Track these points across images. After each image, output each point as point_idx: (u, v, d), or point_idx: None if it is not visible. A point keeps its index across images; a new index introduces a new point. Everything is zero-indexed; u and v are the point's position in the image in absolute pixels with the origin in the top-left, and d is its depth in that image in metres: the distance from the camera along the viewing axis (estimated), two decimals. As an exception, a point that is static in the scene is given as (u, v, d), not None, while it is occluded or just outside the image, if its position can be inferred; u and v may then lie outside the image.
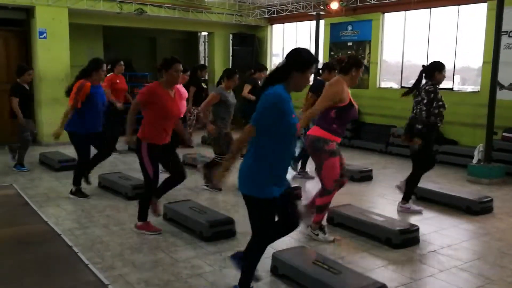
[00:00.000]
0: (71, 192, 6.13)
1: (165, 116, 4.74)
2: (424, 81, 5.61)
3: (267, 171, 3.20)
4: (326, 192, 4.65)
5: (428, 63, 5.76)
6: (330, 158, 4.54)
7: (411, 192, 5.81)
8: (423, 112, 5.35)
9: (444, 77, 5.57)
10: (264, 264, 4.08)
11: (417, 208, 5.77)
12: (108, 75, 8.41)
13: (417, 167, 5.68)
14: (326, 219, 5.20)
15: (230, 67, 13.23)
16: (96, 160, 6.29)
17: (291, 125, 3.15)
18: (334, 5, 10.08)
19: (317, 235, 4.72)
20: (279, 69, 3.23)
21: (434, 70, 5.51)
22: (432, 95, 5.37)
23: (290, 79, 3.18)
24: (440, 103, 5.44)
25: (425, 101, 5.37)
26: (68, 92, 5.88)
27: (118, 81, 8.80)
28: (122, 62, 9.00)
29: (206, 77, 11.96)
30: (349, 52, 10.96)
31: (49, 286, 2.95)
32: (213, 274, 3.96)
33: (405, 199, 5.77)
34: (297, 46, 3.19)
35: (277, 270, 3.89)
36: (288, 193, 3.40)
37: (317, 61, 3.38)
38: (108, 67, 8.54)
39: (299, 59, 3.19)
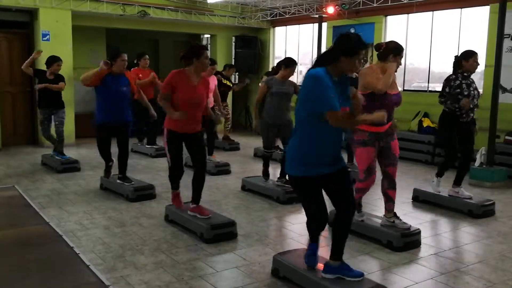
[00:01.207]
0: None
1: (186, 102, 4.79)
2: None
3: (314, 151, 3.32)
4: (358, 179, 4.72)
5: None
6: (359, 147, 4.58)
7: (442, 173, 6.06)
8: (440, 98, 5.76)
9: (474, 65, 5.72)
10: (265, 267, 4.09)
11: (466, 193, 5.92)
12: (132, 69, 8.51)
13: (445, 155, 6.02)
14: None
15: (232, 69, 13.26)
16: (119, 161, 6.40)
17: (332, 105, 3.17)
18: (330, 9, 10.08)
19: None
20: (326, 53, 3.35)
21: (461, 59, 5.72)
22: (451, 82, 5.66)
23: (338, 63, 3.26)
24: (458, 90, 5.64)
25: (445, 89, 5.70)
26: None
27: (140, 75, 8.82)
28: (147, 56, 9.07)
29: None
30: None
31: (51, 287, 2.95)
32: (214, 276, 3.96)
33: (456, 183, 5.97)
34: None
35: (278, 272, 3.89)
36: (341, 171, 3.47)
37: (365, 47, 3.43)
38: (134, 61, 8.70)
39: (347, 44, 3.25)
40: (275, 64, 6.45)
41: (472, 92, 5.69)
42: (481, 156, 7.60)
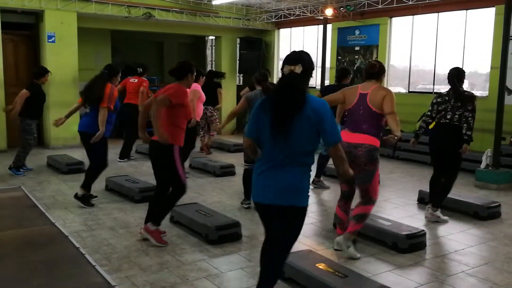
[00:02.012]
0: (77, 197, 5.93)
1: (187, 118, 4.77)
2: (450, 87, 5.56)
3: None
4: (372, 201, 4.48)
5: (453, 69, 5.60)
6: (378, 167, 4.47)
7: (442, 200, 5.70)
8: (470, 119, 5.35)
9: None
10: (270, 268, 4.08)
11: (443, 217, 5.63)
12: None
13: (453, 175, 5.61)
14: (333, 225, 5.21)
15: (237, 71, 13.30)
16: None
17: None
18: (329, 12, 10.08)
19: (349, 247, 4.40)
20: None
21: (463, 76, 5.59)
22: (475, 101, 5.42)
23: None
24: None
25: (470, 108, 5.35)
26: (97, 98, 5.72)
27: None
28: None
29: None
30: (356, 57, 10.97)
31: (57, 287, 2.97)
32: (219, 277, 3.96)
33: (437, 206, 5.64)
34: (304, 50, 3.13)
35: (283, 273, 3.87)
36: None
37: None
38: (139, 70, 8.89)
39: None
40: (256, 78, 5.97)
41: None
42: (486, 158, 7.58)
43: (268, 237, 3.20)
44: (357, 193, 4.61)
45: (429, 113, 5.70)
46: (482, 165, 7.59)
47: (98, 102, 5.68)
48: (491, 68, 8.48)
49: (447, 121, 5.49)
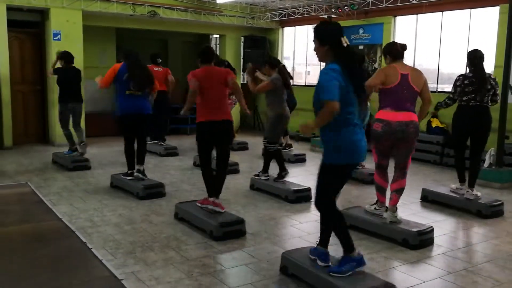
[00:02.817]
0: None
1: None
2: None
3: None
4: (406, 174, 4.94)
5: (479, 52, 5.95)
6: None
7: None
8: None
9: None
10: (274, 264, 4.13)
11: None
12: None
13: (480, 155, 6.15)
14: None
15: (241, 69, 13.32)
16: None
17: None
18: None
19: (396, 216, 4.88)
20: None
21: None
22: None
23: None
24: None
25: (498, 90, 5.86)
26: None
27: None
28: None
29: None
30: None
31: (65, 280, 3.02)
32: (224, 272, 4.01)
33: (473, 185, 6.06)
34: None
35: (287, 269, 3.92)
36: None
37: None
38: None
39: None
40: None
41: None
42: (490, 157, 7.58)
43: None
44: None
45: (451, 96, 5.93)
46: (486, 164, 7.59)
47: (152, 85, 6.61)
48: (495, 67, 8.48)
49: (478, 103, 5.74)
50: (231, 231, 4.77)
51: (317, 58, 3.61)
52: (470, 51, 5.99)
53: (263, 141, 6.68)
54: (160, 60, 9.56)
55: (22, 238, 3.78)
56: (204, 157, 5.25)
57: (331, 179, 3.60)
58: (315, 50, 3.54)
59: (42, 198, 5.04)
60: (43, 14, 10.21)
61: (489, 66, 8.98)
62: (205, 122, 5.07)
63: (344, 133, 3.43)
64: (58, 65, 8.16)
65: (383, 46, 10.37)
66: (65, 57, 8.02)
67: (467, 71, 6.02)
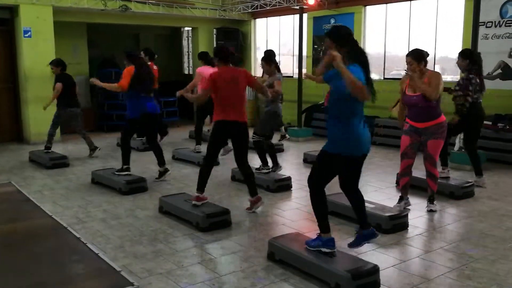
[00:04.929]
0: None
1: None
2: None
3: None
4: None
5: (478, 53, 6.69)
6: (402, 135, 5.45)
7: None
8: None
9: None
10: (261, 251, 4.28)
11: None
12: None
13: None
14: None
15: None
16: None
17: None
18: (311, 0, 10.25)
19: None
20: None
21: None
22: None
23: None
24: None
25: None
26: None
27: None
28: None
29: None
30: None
31: (64, 274, 3.09)
32: (213, 262, 4.14)
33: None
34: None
35: (273, 255, 4.08)
36: None
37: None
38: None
39: None
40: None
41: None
42: (459, 141, 7.89)
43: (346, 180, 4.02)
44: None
45: (471, 94, 6.28)
46: (456, 148, 7.90)
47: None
48: (462, 53, 8.77)
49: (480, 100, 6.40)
50: (217, 222, 4.90)
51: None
52: (469, 50, 6.67)
53: (253, 137, 6.59)
54: (156, 56, 9.35)
55: (16, 235, 3.82)
56: (211, 153, 5.29)
57: (328, 167, 3.84)
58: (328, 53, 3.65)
59: (28, 196, 5.07)
60: (12, 11, 10.03)
61: (455, 52, 9.28)
62: (219, 121, 5.17)
63: (352, 125, 3.67)
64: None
65: (354, 36, 10.67)
66: (62, 64, 8.21)
67: (469, 69, 6.31)
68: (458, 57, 6.45)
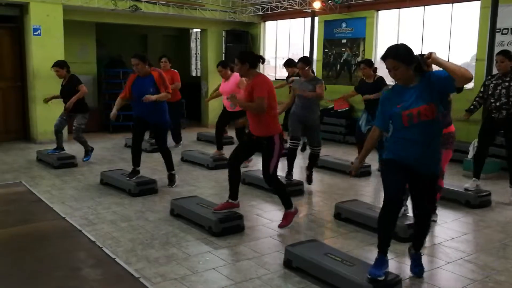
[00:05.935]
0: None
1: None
2: None
3: None
4: None
5: None
6: None
7: None
8: None
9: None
10: (276, 258, 4.17)
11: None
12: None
13: None
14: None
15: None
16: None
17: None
18: (317, 4, 10.16)
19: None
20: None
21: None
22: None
23: None
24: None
25: None
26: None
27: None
28: (164, 59, 9.49)
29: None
30: (343, 50, 11.08)
31: (80, 279, 2.99)
32: (228, 267, 4.03)
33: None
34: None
35: (290, 263, 3.96)
36: None
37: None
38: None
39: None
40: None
41: (497, 91, 6.10)
42: (473, 149, 7.75)
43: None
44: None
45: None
46: (469, 155, 7.77)
47: None
48: (477, 60, 8.66)
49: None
50: (230, 227, 4.79)
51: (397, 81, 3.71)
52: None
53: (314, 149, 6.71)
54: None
55: (29, 237, 3.73)
56: (234, 153, 5.16)
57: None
58: (397, 73, 3.63)
59: (39, 196, 4.97)
60: (22, 8, 9.96)
61: (471, 59, 9.19)
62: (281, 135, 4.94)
63: None
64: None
65: (366, 40, 10.59)
66: (67, 65, 7.99)
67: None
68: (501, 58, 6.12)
